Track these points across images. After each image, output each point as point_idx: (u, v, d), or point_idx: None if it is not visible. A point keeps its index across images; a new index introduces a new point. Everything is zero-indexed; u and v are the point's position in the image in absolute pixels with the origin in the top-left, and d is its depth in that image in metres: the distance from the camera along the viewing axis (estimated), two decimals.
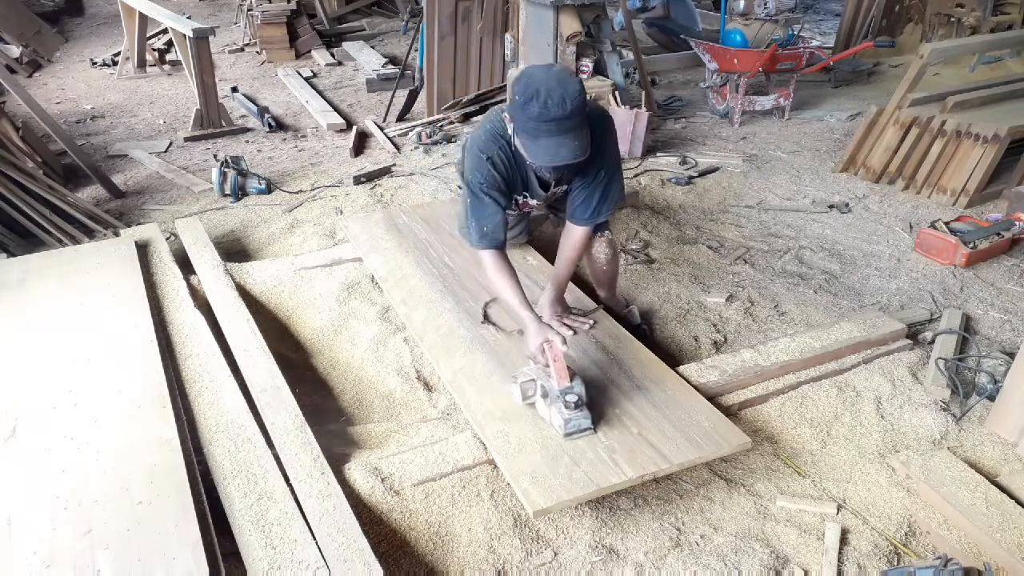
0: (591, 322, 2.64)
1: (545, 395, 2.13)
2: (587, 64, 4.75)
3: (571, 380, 2.11)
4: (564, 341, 2.17)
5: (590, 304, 2.80)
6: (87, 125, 5.67)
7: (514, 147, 2.27)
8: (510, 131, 2.24)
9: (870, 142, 4.40)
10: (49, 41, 8.01)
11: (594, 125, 2.19)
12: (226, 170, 4.18)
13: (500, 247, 2.32)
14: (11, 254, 3.39)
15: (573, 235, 2.49)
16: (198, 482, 1.99)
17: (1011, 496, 2.03)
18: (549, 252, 3.17)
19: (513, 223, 2.95)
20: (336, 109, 5.79)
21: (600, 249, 2.66)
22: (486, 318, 2.50)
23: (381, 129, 5.26)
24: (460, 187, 3.06)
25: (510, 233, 2.73)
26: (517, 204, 2.56)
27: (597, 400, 2.24)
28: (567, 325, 2.57)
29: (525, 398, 2.18)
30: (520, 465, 2.01)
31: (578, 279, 2.97)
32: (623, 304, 2.91)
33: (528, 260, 3.08)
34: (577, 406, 2.07)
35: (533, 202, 2.56)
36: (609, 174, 2.37)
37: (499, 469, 2.09)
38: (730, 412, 2.38)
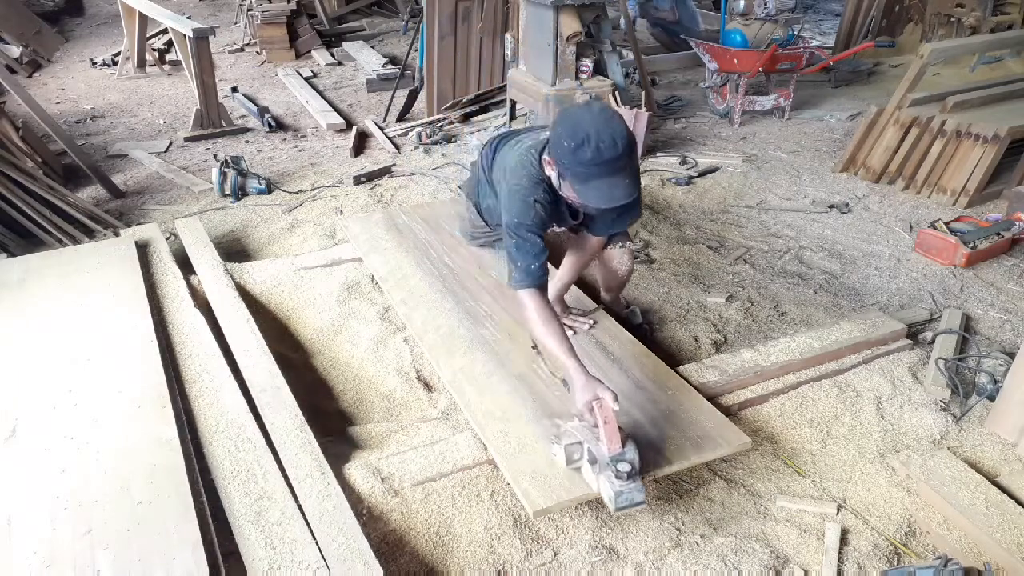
0: (591, 322, 2.65)
1: (593, 460, 1.91)
2: (587, 64, 4.74)
3: (623, 445, 1.91)
4: (615, 398, 1.96)
5: (589, 304, 2.80)
6: (87, 125, 5.67)
7: (552, 188, 2.24)
8: (548, 173, 2.20)
9: (870, 142, 4.40)
10: (49, 41, 8.01)
11: None
12: (226, 170, 4.18)
13: (543, 287, 2.24)
14: (11, 254, 3.39)
15: (588, 243, 2.51)
16: (198, 482, 1.99)
17: (1011, 496, 2.03)
18: (552, 257, 3.17)
19: None
20: (336, 109, 5.79)
21: (622, 261, 2.63)
22: (570, 461, 2.05)
23: (381, 129, 5.26)
24: (465, 204, 3.05)
25: None
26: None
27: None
28: (567, 325, 2.55)
29: (570, 463, 1.98)
30: (520, 465, 2.01)
31: (579, 280, 2.96)
32: (623, 305, 2.91)
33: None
34: (630, 476, 1.85)
35: (560, 229, 2.55)
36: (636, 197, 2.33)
37: (499, 469, 2.09)
38: (730, 412, 2.38)
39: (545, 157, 2.19)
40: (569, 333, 2.46)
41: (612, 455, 1.88)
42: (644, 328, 2.85)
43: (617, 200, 2.07)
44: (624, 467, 1.86)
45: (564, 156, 2.04)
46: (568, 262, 2.59)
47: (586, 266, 2.61)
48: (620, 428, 1.93)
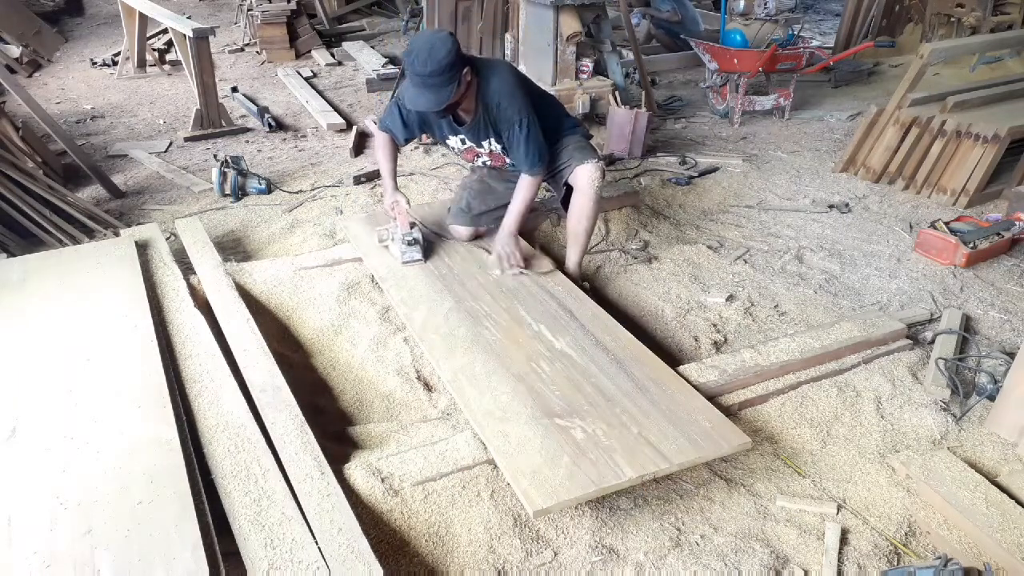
0: (522, 269, 2.97)
1: (392, 238, 3.07)
2: (587, 64, 4.74)
3: (411, 228, 3.01)
4: (408, 201, 3.08)
5: (545, 264, 3.05)
6: (87, 125, 5.67)
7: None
8: None
9: (870, 142, 4.40)
10: (49, 41, 8.01)
11: (491, 89, 2.76)
12: (226, 170, 4.18)
13: (389, 133, 3.08)
14: (11, 254, 3.39)
15: (521, 182, 2.97)
16: (198, 482, 1.98)
17: (1011, 496, 2.03)
18: (550, 252, 3.18)
19: (481, 188, 3.29)
20: (336, 109, 5.79)
21: (585, 196, 2.98)
22: (380, 240, 3.15)
23: None
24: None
25: (490, 200, 3.23)
26: (456, 151, 3.11)
27: (597, 402, 2.25)
28: (513, 264, 2.96)
29: (381, 240, 3.11)
30: (520, 465, 2.01)
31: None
32: (579, 279, 3.11)
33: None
34: (411, 244, 2.99)
35: (455, 142, 3.03)
36: (526, 128, 2.81)
37: (499, 469, 2.09)
38: (730, 412, 2.39)
39: None
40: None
41: (403, 232, 3.01)
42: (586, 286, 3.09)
43: (420, 106, 2.71)
44: (409, 238, 3.00)
45: (403, 60, 2.78)
46: (510, 206, 3.03)
47: (526, 202, 2.98)
48: (412, 223, 3.06)
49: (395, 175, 3.16)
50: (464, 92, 2.72)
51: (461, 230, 3.22)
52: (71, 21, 9.32)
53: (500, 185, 3.19)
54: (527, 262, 3.01)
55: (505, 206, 3.07)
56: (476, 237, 3.23)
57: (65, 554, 1.75)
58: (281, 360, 2.53)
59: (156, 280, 3.00)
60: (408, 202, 3.08)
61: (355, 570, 1.73)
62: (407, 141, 3.14)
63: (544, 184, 3.34)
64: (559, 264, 3.11)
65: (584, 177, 2.95)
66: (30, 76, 7.09)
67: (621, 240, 3.56)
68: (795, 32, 5.71)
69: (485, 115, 2.85)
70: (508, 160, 3.03)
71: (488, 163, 3.12)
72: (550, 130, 3.00)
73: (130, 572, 1.70)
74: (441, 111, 2.77)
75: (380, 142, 3.14)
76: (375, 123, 5.00)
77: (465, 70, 2.67)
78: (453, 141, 3.04)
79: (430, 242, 3.12)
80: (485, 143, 2.98)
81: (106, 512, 1.86)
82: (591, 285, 3.18)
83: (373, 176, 4.43)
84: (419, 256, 2.99)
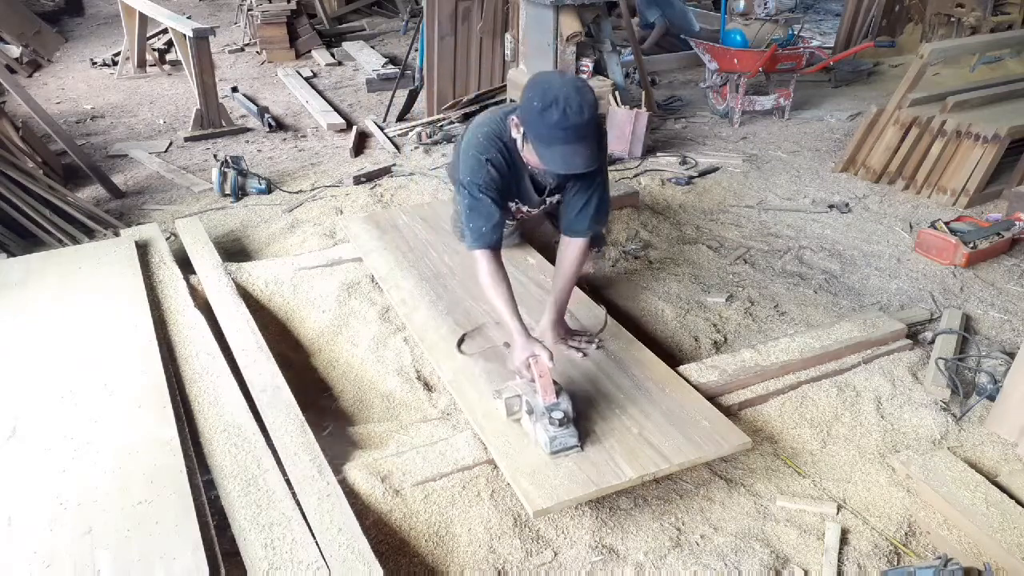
0: (597, 343, 2.52)
1: (531, 411, 2.08)
2: (587, 64, 4.74)
3: (557, 396, 2.06)
4: (551, 356, 2.11)
5: (599, 314, 2.70)
6: (87, 125, 5.67)
7: (512, 150, 2.26)
8: (513, 135, 2.22)
9: (870, 142, 4.40)
10: (49, 41, 8.01)
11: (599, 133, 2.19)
12: (226, 170, 4.18)
13: (495, 247, 2.26)
14: (11, 254, 3.39)
15: (572, 248, 2.43)
16: (198, 482, 1.99)
17: (1011, 496, 2.03)
18: (548, 252, 3.18)
19: (509, 228, 2.92)
20: (336, 109, 5.79)
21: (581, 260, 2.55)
22: (460, 349, 2.47)
23: (381, 129, 5.26)
24: (453, 189, 3.03)
25: (504, 232, 2.55)
26: (511, 212, 2.54)
27: (596, 402, 2.24)
28: (574, 348, 2.47)
29: (510, 414, 2.14)
30: (520, 465, 2.01)
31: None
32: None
33: (528, 260, 3.08)
34: (563, 423, 2.02)
35: (526, 209, 2.54)
36: (603, 181, 2.37)
37: (499, 469, 2.09)
38: (730, 412, 2.38)
39: (513, 118, 2.21)
40: (577, 356, 2.44)
41: (547, 405, 2.04)
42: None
43: (577, 167, 2.09)
44: (557, 415, 2.02)
45: (531, 117, 2.06)
46: (558, 277, 2.50)
47: (576, 278, 2.50)
48: (555, 382, 2.08)
49: (518, 313, 2.23)
50: None
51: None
52: (71, 21, 9.31)
53: None
54: (511, 261, 2.62)
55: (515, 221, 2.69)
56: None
57: (65, 554, 1.75)
58: (281, 360, 2.53)
59: (156, 280, 3.00)
60: (551, 356, 2.13)
61: (355, 570, 1.73)
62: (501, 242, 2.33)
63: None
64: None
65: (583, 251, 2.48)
66: (30, 76, 7.09)
67: (621, 240, 3.56)
68: (795, 32, 5.71)
69: None
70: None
71: (524, 217, 2.66)
72: None
73: (130, 572, 1.70)
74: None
75: (484, 265, 2.24)
76: (376, 123, 4.88)
77: None
78: (528, 204, 2.52)
79: (578, 411, 2.16)
80: (550, 199, 2.50)
81: (106, 512, 1.86)
82: (592, 286, 3.17)
83: (373, 176, 4.43)
84: (575, 442, 2.04)
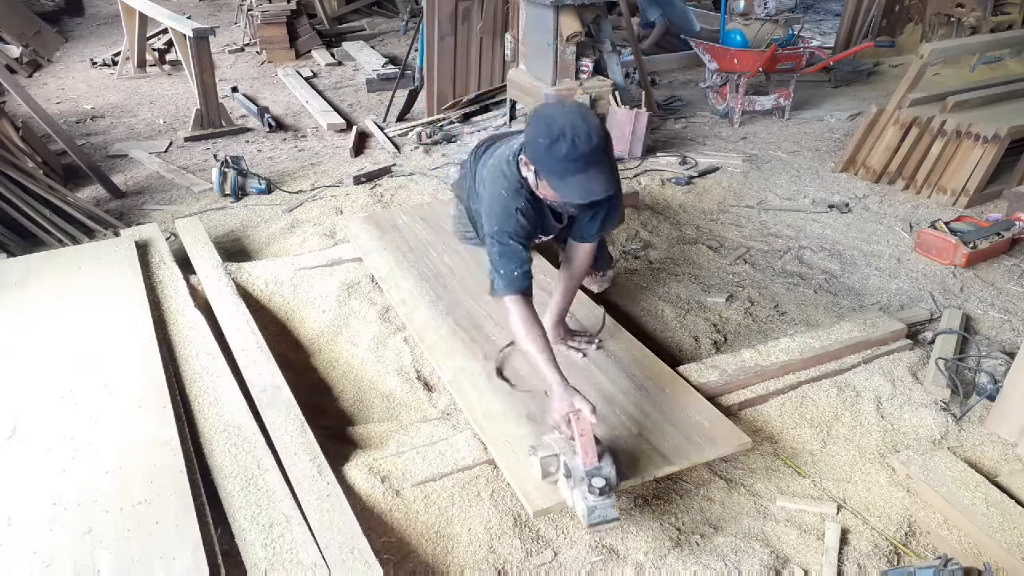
0: (597, 343, 2.53)
1: (569, 474, 1.87)
2: (587, 64, 4.74)
3: (600, 459, 1.86)
4: (594, 410, 1.93)
5: (598, 314, 2.70)
6: (87, 125, 5.67)
7: (532, 192, 2.21)
8: (524, 173, 2.18)
9: (870, 142, 4.40)
10: (49, 41, 8.01)
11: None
12: (226, 170, 4.18)
13: (527, 293, 2.19)
14: (11, 254, 3.39)
15: (580, 252, 2.42)
16: (198, 482, 1.99)
17: (1011, 496, 2.03)
18: (547, 252, 3.18)
19: None
20: (336, 109, 5.79)
21: (592, 278, 2.73)
22: (500, 374, 2.37)
23: (381, 129, 5.26)
24: (455, 203, 3.07)
25: None
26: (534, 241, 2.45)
27: (596, 402, 2.22)
28: (573, 348, 2.48)
29: (546, 475, 1.93)
30: (520, 465, 2.01)
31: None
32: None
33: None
34: (603, 492, 1.80)
35: (544, 238, 2.52)
36: (617, 190, 2.30)
37: (499, 469, 2.09)
38: (730, 412, 2.38)
39: (521, 157, 2.17)
40: (577, 356, 2.45)
41: (588, 469, 1.84)
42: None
43: (595, 194, 2.05)
44: (599, 482, 1.81)
45: (540, 154, 2.02)
46: (561, 280, 2.49)
47: (580, 282, 2.53)
48: (597, 441, 1.90)
49: (555, 360, 2.10)
50: None
51: None
52: (71, 21, 9.32)
53: None
54: (579, 332, 2.60)
55: None
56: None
57: (65, 554, 1.75)
58: (281, 360, 2.53)
59: (156, 280, 3.00)
60: (594, 409, 1.94)
61: (355, 570, 1.73)
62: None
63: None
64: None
65: (588, 263, 2.52)
66: (30, 76, 7.09)
67: (621, 240, 3.56)
68: (795, 32, 5.71)
69: None
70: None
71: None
72: None
73: (130, 572, 1.70)
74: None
75: (518, 311, 2.16)
76: (376, 123, 4.88)
77: None
78: (550, 234, 2.50)
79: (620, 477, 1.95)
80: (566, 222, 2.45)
81: (106, 512, 1.86)
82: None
83: (373, 176, 4.43)
84: (615, 514, 1.82)
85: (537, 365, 2.12)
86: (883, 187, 4.28)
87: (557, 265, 2.80)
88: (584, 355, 2.47)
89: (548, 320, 2.46)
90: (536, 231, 2.32)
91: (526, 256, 2.20)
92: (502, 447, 2.08)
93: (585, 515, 1.81)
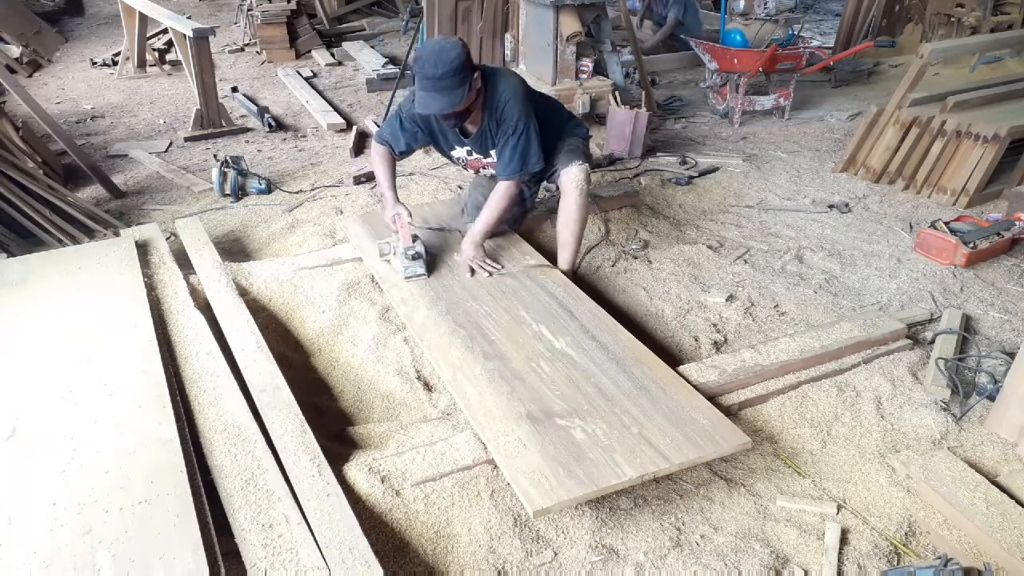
0: (500, 267, 2.99)
1: (394, 252, 2.97)
2: (587, 64, 4.74)
3: (413, 241, 2.91)
4: (410, 214, 2.97)
5: (530, 261, 3.04)
6: (87, 125, 5.67)
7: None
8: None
9: (870, 142, 4.40)
10: (49, 41, 8.01)
11: (497, 95, 2.78)
12: (226, 170, 4.18)
13: (389, 148, 3.06)
14: (11, 254, 3.39)
15: (496, 187, 2.97)
16: (198, 482, 1.98)
17: (1011, 496, 2.03)
18: (547, 252, 3.18)
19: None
20: (336, 109, 5.79)
21: (573, 183, 2.97)
22: (382, 254, 3.06)
23: None
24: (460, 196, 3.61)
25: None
26: (461, 162, 3.13)
27: (597, 402, 2.25)
28: (477, 264, 2.96)
29: (383, 255, 3.00)
30: (520, 465, 2.01)
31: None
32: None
33: (526, 259, 3.08)
34: (414, 258, 2.88)
35: (467, 153, 3.05)
36: (518, 135, 2.82)
37: (499, 469, 2.09)
38: (730, 412, 2.39)
39: None
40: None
41: (405, 247, 2.90)
42: None
43: (430, 109, 2.70)
44: (411, 252, 2.88)
45: (412, 68, 2.75)
46: (482, 212, 3.01)
47: (499, 211, 2.97)
48: (414, 236, 2.95)
49: (395, 187, 3.09)
50: (474, 99, 2.73)
51: None
52: (71, 21, 9.32)
53: None
54: (505, 256, 3.05)
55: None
56: (493, 235, 3.15)
57: (65, 554, 1.75)
58: (281, 360, 2.53)
59: (156, 280, 3.00)
60: (410, 214, 2.99)
61: (355, 570, 1.73)
62: (404, 155, 3.10)
63: (545, 184, 3.36)
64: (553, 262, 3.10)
65: (568, 180, 2.97)
66: (30, 76, 7.09)
67: (621, 240, 3.56)
68: (795, 32, 5.72)
69: (491, 123, 2.86)
70: None
71: (494, 173, 3.10)
72: (554, 136, 3.01)
73: (130, 572, 1.70)
74: (452, 119, 2.78)
75: (377, 155, 3.09)
76: (376, 123, 5.04)
77: (475, 75, 2.69)
78: (459, 152, 3.06)
79: (433, 255, 3.02)
80: (493, 152, 2.97)
81: (106, 512, 1.86)
82: (592, 286, 3.17)
83: (373, 176, 4.42)
84: (422, 271, 2.88)
85: (381, 187, 3.11)
86: (883, 187, 4.28)
87: (539, 249, 3.24)
88: (489, 274, 2.94)
89: (469, 235, 3.01)
90: (436, 137, 3.02)
91: (399, 133, 3.00)
92: (502, 447, 2.08)
93: (402, 271, 2.90)
